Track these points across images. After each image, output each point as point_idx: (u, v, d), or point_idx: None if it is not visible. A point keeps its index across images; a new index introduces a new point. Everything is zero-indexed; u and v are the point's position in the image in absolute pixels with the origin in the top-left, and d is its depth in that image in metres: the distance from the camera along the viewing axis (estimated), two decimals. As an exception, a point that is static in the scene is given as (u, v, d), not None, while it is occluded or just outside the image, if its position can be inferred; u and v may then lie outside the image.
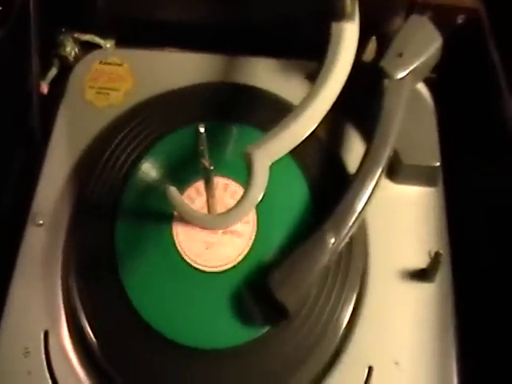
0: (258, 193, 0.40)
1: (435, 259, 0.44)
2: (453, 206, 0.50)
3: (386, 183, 0.50)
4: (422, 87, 0.54)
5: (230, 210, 0.40)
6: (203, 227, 0.42)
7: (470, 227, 0.53)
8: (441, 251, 0.43)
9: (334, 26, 0.47)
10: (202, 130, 0.36)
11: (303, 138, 0.43)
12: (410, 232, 0.48)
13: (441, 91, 0.55)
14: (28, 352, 0.43)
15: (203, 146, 0.38)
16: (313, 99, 0.44)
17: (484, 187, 0.53)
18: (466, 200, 0.53)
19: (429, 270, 0.45)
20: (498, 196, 0.51)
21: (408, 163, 0.49)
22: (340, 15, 0.48)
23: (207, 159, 0.39)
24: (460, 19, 0.56)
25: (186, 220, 0.41)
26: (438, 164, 0.50)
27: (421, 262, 0.46)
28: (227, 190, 0.47)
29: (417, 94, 0.53)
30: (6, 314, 0.45)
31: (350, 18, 0.48)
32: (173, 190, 0.41)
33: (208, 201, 0.44)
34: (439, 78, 0.56)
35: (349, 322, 0.44)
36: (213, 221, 0.40)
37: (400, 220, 0.49)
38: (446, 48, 0.53)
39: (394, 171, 0.50)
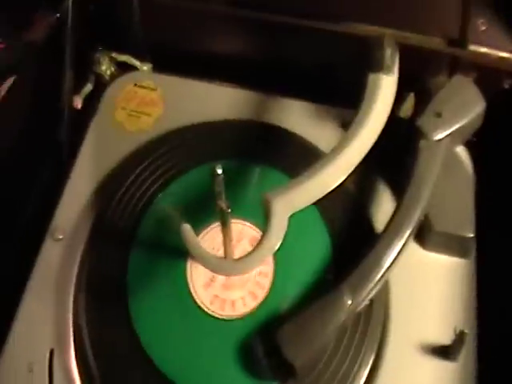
0: (274, 243, 0.39)
1: (460, 338, 0.42)
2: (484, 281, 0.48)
3: (415, 248, 0.48)
4: (462, 151, 0.52)
5: (242, 258, 0.39)
6: (214, 271, 0.41)
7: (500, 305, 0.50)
8: (466, 331, 0.41)
9: (371, 76, 0.47)
10: (219, 171, 0.36)
11: (328, 191, 0.42)
12: (435, 303, 0.46)
13: (482, 158, 0.53)
14: (32, 369, 0.43)
15: (220, 188, 0.37)
16: (343, 150, 0.43)
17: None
18: (498, 276, 0.51)
19: (452, 348, 0.43)
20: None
21: (439, 230, 0.47)
22: (378, 66, 0.47)
23: (224, 201, 0.38)
24: (507, 84, 0.55)
25: (197, 262, 0.40)
26: (472, 235, 0.47)
27: (445, 337, 0.44)
28: (246, 235, 0.47)
29: (456, 158, 0.51)
30: (15, 327, 0.45)
31: (389, 70, 0.47)
32: (187, 229, 0.40)
33: (224, 244, 0.43)
34: (481, 144, 0.54)
35: None
36: (224, 266, 0.40)
37: (426, 289, 0.47)
38: (490, 112, 0.52)
39: (425, 237, 0.48)
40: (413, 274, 0.47)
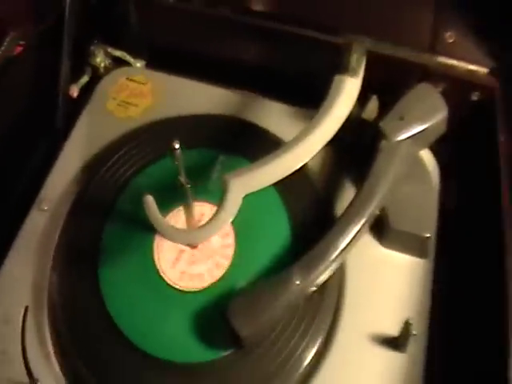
0: (227, 216, 0.43)
1: (405, 329, 0.44)
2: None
3: (374, 245, 0.51)
4: (427, 156, 0.55)
5: (194, 229, 0.43)
6: (170, 239, 0.44)
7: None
8: (411, 321, 0.43)
9: (337, 77, 0.50)
10: (176, 146, 0.39)
11: (282, 177, 0.45)
12: (389, 298, 0.48)
13: (452, 166, 0.55)
14: (7, 320, 0.47)
15: (178, 162, 0.41)
16: (298, 142, 0.46)
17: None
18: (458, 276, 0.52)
19: (400, 338, 0.45)
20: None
21: (396, 228, 0.49)
22: (344, 69, 0.50)
23: (184, 176, 0.42)
24: (475, 96, 0.57)
25: (155, 229, 0.43)
26: (429, 235, 0.49)
27: (395, 330, 0.45)
28: (209, 215, 0.49)
29: (420, 162, 0.53)
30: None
31: (354, 73, 0.50)
32: (149, 200, 0.43)
33: (186, 217, 0.47)
34: (451, 153, 0.57)
35: (310, 367, 0.45)
36: (175, 234, 0.43)
37: (382, 284, 0.49)
38: (458, 123, 0.54)
39: (383, 234, 0.50)
40: (370, 269, 0.49)
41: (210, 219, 0.43)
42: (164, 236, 0.44)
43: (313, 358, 0.45)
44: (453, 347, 0.49)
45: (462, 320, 0.50)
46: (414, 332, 0.44)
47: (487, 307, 0.47)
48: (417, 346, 0.46)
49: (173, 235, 0.43)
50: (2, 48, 0.67)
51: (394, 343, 0.46)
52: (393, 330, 0.46)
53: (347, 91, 0.50)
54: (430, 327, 0.47)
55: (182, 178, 0.42)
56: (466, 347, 0.48)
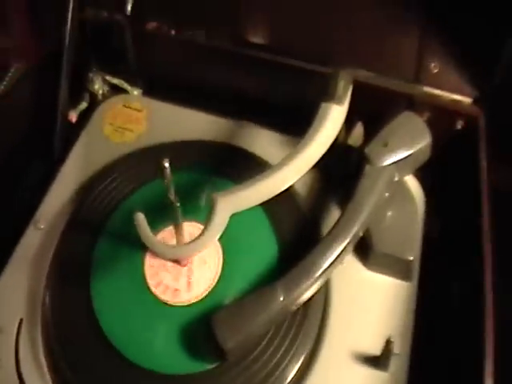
0: (214, 234, 0.45)
1: (386, 347, 0.45)
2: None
3: (358, 267, 0.52)
4: (412, 182, 0.57)
5: (182, 245, 0.45)
6: (155, 252, 0.46)
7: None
8: (392, 339, 0.44)
9: (323, 104, 0.52)
10: (166, 164, 0.41)
11: (267, 198, 0.47)
12: (373, 319, 0.50)
13: (437, 192, 0.57)
14: (1, 330, 0.49)
15: (168, 180, 0.42)
16: (283, 166, 0.48)
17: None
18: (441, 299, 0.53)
19: (382, 357, 0.46)
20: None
21: (379, 251, 0.51)
22: (330, 96, 0.52)
23: (173, 194, 0.44)
24: (459, 124, 0.59)
25: (145, 244, 0.45)
26: (412, 258, 0.51)
27: (378, 349, 0.46)
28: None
29: (404, 187, 0.55)
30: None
31: (340, 101, 0.52)
32: (140, 217, 0.45)
33: (175, 233, 0.49)
34: (436, 179, 0.59)
35: (294, 382, 0.46)
36: (164, 249, 0.45)
37: (366, 305, 0.50)
38: (443, 150, 0.56)
39: (368, 257, 0.52)
40: (354, 290, 0.51)
41: (198, 236, 0.45)
42: (153, 251, 0.46)
43: (296, 373, 0.46)
44: (434, 366, 0.50)
45: (444, 340, 0.51)
46: (397, 351, 0.46)
47: (468, 328, 0.49)
48: (399, 365, 0.47)
49: (161, 250, 0.45)
50: (6, 79, 0.70)
51: (376, 362, 0.47)
52: (376, 349, 0.47)
53: (332, 118, 0.51)
54: (413, 347, 0.49)
55: (172, 196, 0.44)
56: (447, 366, 0.49)
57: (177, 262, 0.50)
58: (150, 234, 0.45)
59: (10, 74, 0.68)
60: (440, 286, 0.53)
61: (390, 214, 0.53)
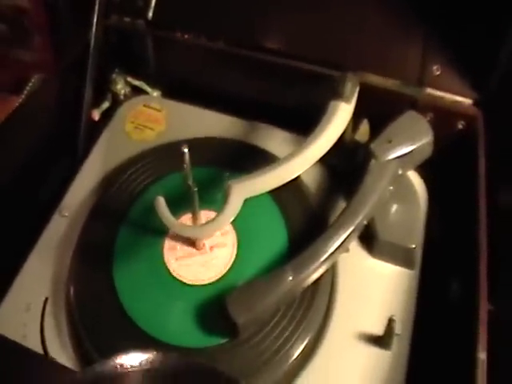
0: (229, 215, 0.49)
1: (389, 325, 0.48)
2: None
3: (363, 255, 0.55)
4: (415, 178, 0.60)
5: (198, 226, 0.49)
6: (174, 231, 0.50)
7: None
8: (394, 318, 0.47)
9: (332, 102, 0.56)
10: (185, 150, 0.45)
11: (278, 185, 0.51)
12: (377, 303, 0.52)
13: (440, 188, 0.60)
14: (29, 308, 0.52)
15: (186, 166, 0.46)
16: (294, 156, 0.52)
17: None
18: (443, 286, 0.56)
19: (384, 337, 0.49)
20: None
21: (383, 239, 0.54)
22: (339, 95, 0.56)
23: (191, 180, 0.48)
24: (460, 124, 0.62)
25: (163, 223, 0.49)
26: (414, 246, 0.53)
27: (381, 330, 0.49)
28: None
29: (408, 181, 0.58)
30: (20, 275, 0.54)
31: (348, 100, 0.56)
32: (160, 200, 0.49)
33: (192, 216, 0.52)
34: (438, 176, 0.61)
35: (300, 360, 0.48)
36: (182, 228, 0.49)
37: (370, 290, 0.53)
38: (445, 149, 0.59)
39: (372, 245, 0.55)
40: (360, 277, 0.54)
41: (214, 217, 0.48)
42: (172, 229, 0.49)
43: (302, 352, 0.48)
44: (435, 348, 0.52)
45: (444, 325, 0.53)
46: (398, 332, 0.48)
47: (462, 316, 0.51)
48: (401, 345, 0.50)
49: (180, 228, 0.49)
50: (27, 88, 0.75)
51: (379, 341, 0.50)
52: (379, 330, 0.50)
53: (340, 115, 0.55)
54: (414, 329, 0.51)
55: (190, 182, 0.48)
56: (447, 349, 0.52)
57: (194, 246, 0.53)
58: (170, 215, 0.48)
59: (30, 84, 0.73)
60: (438, 280, 0.56)
61: (394, 206, 0.56)
